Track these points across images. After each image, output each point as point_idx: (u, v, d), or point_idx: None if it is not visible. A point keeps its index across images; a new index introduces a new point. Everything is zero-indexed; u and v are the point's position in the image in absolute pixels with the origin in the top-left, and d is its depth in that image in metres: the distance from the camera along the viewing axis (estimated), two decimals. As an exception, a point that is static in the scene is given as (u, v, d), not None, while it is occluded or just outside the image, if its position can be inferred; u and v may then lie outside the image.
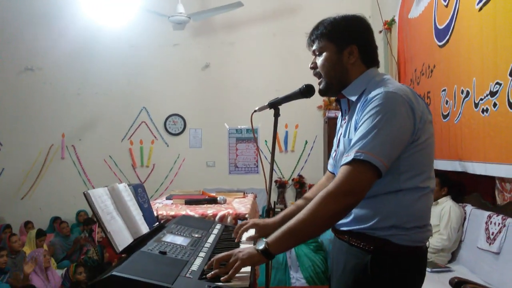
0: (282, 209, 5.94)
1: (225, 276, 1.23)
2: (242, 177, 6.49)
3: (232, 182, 6.31)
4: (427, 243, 1.43)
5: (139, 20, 6.40)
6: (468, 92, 3.18)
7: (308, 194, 1.75)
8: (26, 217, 6.09)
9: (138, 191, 1.76)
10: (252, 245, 1.32)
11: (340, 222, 1.41)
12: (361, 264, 1.34)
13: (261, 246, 1.28)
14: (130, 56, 6.52)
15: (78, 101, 6.54)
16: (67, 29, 6.42)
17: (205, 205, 2.58)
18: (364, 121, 1.29)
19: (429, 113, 1.38)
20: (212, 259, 1.31)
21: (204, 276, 1.25)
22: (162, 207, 2.49)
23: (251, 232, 1.71)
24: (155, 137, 6.59)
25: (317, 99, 6.15)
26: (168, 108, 6.57)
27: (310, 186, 6.28)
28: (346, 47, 1.43)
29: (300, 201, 1.71)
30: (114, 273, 1.13)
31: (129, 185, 1.73)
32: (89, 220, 5.78)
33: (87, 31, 6.42)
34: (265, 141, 6.27)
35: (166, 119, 6.58)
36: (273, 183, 5.95)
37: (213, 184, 6.02)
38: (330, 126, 5.93)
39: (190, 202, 2.61)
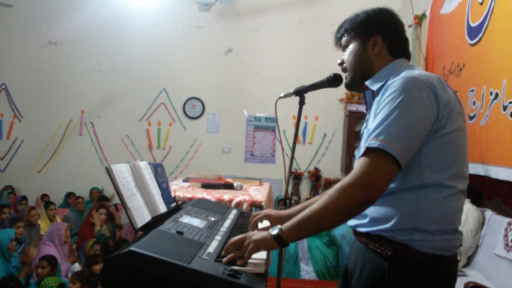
0: (296, 201, 5.96)
1: (241, 260, 1.23)
2: (257, 166, 6.47)
3: (247, 170, 6.31)
4: (459, 255, 1.30)
5: (165, -2, 6.39)
6: (497, 94, 3.10)
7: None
8: (42, 190, 6.22)
9: (158, 170, 1.76)
10: (266, 231, 1.30)
11: (358, 222, 1.34)
12: (378, 271, 1.26)
13: (274, 231, 1.25)
14: (153, 35, 6.52)
15: (98, 78, 6.59)
16: (92, 5, 6.46)
17: (221, 190, 2.57)
18: (382, 107, 1.22)
19: (460, 105, 1.29)
20: (227, 244, 1.30)
21: (220, 259, 1.25)
22: (179, 188, 2.49)
23: (265, 223, 1.69)
24: (173, 120, 6.60)
25: (339, 92, 6.08)
26: (188, 91, 6.57)
27: (326, 180, 6.24)
28: (369, 37, 1.40)
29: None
30: (132, 248, 1.13)
31: (149, 163, 1.72)
32: (103, 198, 5.84)
33: (112, 8, 6.44)
34: (284, 131, 6.23)
35: (185, 102, 6.58)
36: (285, 174, 5.92)
37: (228, 170, 6.02)
38: (351, 120, 5.87)
39: (206, 186, 2.61)
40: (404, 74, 1.26)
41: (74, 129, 6.59)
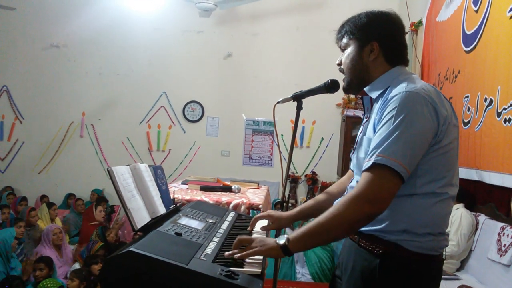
0: (293, 204, 5.96)
1: (239, 255, 1.27)
2: (255, 169, 6.51)
3: (245, 173, 6.35)
4: (444, 254, 1.36)
5: (166, 3, 6.44)
6: (491, 101, 3.14)
7: (330, 188, 1.74)
8: (41, 192, 6.25)
9: (158, 172, 1.80)
10: (273, 238, 1.33)
11: None
12: (369, 268, 1.31)
13: (282, 241, 1.27)
14: (154, 39, 6.58)
15: (99, 81, 6.64)
16: (94, 9, 6.50)
17: (219, 193, 2.61)
18: (384, 123, 1.24)
19: (455, 116, 1.33)
20: (237, 238, 1.33)
21: (217, 260, 1.28)
22: (178, 191, 2.53)
23: (265, 222, 1.73)
24: (173, 123, 6.65)
25: (336, 97, 6.13)
26: (187, 94, 6.62)
27: (323, 184, 6.28)
28: (366, 44, 1.40)
29: (320, 196, 1.71)
30: (131, 249, 1.15)
31: (149, 166, 1.76)
32: (101, 199, 5.85)
33: (114, 11, 6.49)
34: (281, 134, 6.28)
35: (185, 105, 6.63)
36: (282, 177, 5.95)
37: (226, 173, 6.05)
38: (348, 125, 5.91)
39: (205, 188, 2.65)
40: (404, 86, 1.27)
41: (75, 131, 6.64)
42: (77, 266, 3.94)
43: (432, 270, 1.33)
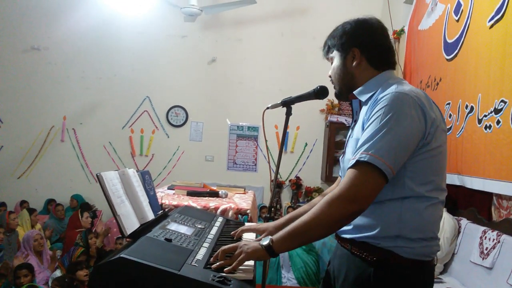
0: (277, 209, 5.92)
1: (229, 268, 1.25)
2: (239, 174, 6.50)
3: (229, 179, 6.32)
4: (435, 259, 1.37)
5: (151, 7, 6.40)
6: (472, 108, 3.22)
7: (326, 192, 1.73)
8: (21, 197, 6.10)
9: (145, 178, 1.78)
10: (257, 240, 1.33)
11: (343, 228, 1.37)
12: (363, 276, 1.31)
13: (265, 242, 1.28)
14: (137, 43, 6.51)
15: (81, 85, 6.52)
16: (77, 11, 6.40)
17: (207, 198, 2.60)
18: (372, 121, 1.25)
19: (443, 121, 1.35)
20: (218, 251, 1.32)
21: (209, 266, 1.27)
22: (165, 196, 2.51)
23: (252, 235, 1.73)
24: (156, 127, 6.59)
25: (320, 103, 6.18)
26: (171, 99, 6.57)
27: (307, 188, 6.31)
28: (348, 52, 1.43)
29: (316, 199, 1.70)
30: (122, 255, 1.14)
31: (137, 171, 1.75)
32: (86, 205, 5.75)
33: (98, 14, 6.40)
34: (266, 140, 6.27)
35: (169, 110, 6.58)
36: (271, 182, 5.96)
37: (210, 178, 6.03)
38: (331, 130, 5.98)
39: (192, 193, 2.64)
40: (394, 88, 1.29)
41: (56, 136, 6.50)
42: (58, 273, 3.86)
43: (425, 276, 1.34)
